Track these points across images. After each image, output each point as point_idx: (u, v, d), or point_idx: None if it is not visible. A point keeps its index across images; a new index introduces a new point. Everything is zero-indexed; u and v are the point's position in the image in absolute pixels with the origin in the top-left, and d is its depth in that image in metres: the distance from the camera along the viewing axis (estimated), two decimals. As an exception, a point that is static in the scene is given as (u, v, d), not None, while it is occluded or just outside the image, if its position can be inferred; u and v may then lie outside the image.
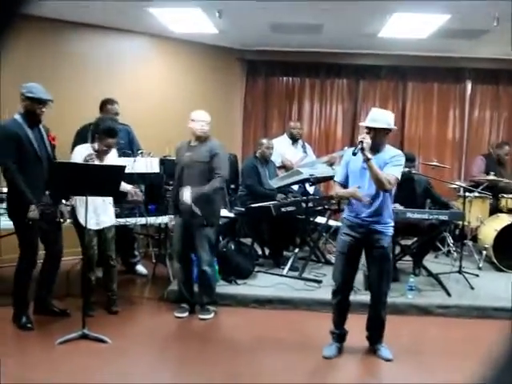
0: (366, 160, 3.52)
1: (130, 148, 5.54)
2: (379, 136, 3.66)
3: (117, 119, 5.28)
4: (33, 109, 4.17)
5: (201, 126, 4.54)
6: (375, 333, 4.00)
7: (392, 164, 3.64)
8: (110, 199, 4.56)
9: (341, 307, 3.98)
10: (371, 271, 3.93)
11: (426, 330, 4.69)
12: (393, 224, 3.82)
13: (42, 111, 4.22)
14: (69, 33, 6.40)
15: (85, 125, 5.27)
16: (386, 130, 3.72)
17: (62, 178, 3.97)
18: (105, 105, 5.51)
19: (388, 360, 3.88)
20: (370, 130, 3.65)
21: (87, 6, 5.64)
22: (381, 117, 3.73)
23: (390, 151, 3.73)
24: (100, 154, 4.41)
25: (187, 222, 4.58)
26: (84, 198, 4.11)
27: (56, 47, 6.29)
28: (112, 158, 4.53)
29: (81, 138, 5.10)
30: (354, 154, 3.56)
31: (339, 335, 4.02)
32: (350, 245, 3.81)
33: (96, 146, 4.41)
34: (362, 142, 3.54)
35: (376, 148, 3.64)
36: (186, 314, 4.66)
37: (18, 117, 4.18)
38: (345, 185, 3.84)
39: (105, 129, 4.40)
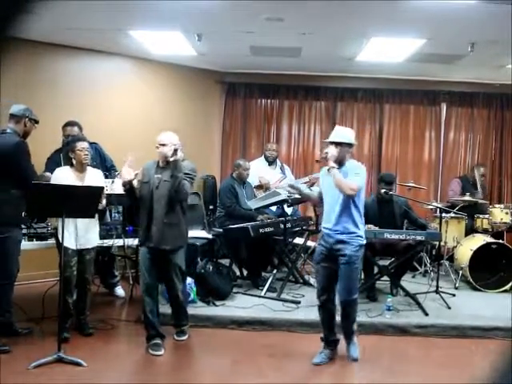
0: (330, 168, 3.93)
1: (103, 166, 5.48)
2: (342, 151, 4.01)
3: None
4: (31, 130, 4.19)
5: (168, 149, 4.28)
6: (345, 331, 4.20)
7: (353, 174, 3.97)
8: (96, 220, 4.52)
9: (325, 309, 4.15)
10: (339, 280, 4.05)
11: (405, 350, 4.69)
12: (360, 234, 4.03)
13: None
14: (49, 54, 6.39)
15: (56, 149, 5.27)
16: (349, 146, 4.07)
17: (37, 199, 3.92)
18: (64, 127, 5.36)
19: (354, 360, 4.14)
20: (335, 144, 4.01)
21: (68, 27, 5.65)
22: (343, 133, 4.12)
23: (352, 164, 4.07)
24: (79, 169, 4.40)
25: (155, 251, 4.29)
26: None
27: (35, 68, 6.27)
28: (93, 176, 4.50)
29: (53, 161, 5.08)
30: (328, 169, 3.96)
31: (327, 341, 4.21)
32: (322, 254, 4.10)
33: (72, 163, 4.40)
34: (327, 152, 3.99)
35: (340, 162, 4.00)
36: (162, 352, 4.27)
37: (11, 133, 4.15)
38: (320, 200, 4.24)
39: (70, 141, 4.51)
